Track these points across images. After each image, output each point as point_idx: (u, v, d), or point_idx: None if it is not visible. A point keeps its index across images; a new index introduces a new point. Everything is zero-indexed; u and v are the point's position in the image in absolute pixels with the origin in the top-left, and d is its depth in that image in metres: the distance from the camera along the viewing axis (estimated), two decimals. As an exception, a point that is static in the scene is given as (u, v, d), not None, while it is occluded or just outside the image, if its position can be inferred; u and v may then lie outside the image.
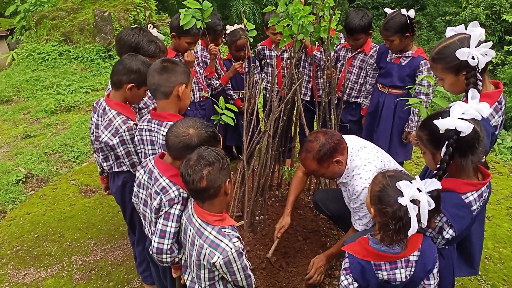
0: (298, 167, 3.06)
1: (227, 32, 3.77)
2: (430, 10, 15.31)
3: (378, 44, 3.57)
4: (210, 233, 1.73)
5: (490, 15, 11.16)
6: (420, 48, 3.30)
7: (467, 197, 1.73)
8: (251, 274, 1.86)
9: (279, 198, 3.70)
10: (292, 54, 3.02)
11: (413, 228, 1.56)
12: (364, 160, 2.36)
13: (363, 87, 3.64)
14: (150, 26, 2.96)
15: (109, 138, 2.31)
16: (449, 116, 1.62)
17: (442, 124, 1.61)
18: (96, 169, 4.51)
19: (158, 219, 1.88)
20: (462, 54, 1.81)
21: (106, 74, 7.83)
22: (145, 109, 2.74)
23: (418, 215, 1.57)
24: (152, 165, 1.96)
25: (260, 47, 3.93)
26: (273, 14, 3.01)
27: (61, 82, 7.36)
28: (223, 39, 3.81)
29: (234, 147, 4.44)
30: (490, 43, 1.82)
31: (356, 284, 1.75)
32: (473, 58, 1.80)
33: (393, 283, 1.72)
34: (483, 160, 1.80)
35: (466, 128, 1.56)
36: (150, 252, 1.90)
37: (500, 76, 9.87)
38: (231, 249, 1.70)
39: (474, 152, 1.65)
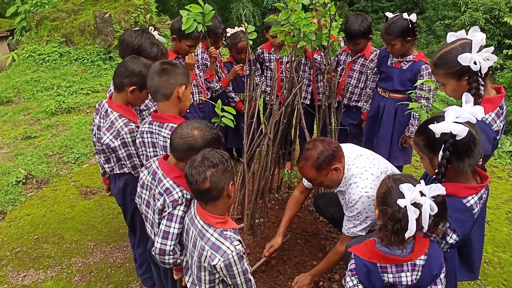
0: (297, 185, 3.05)
1: (228, 35, 3.78)
2: (429, 14, 15.35)
3: (378, 48, 3.58)
4: (211, 235, 1.74)
5: (489, 19, 11.19)
6: (421, 52, 3.31)
7: (468, 200, 1.74)
8: (251, 278, 1.86)
9: (279, 201, 3.70)
10: (292, 58, 3.03)
11: (410, 230, 1.56)
12: (361, 168, 2.38)
13: (364, 91, 3.65)
14: (151, 29, 2.97)
15: (110, 140, 2.32)
16: (443, 120, 1.63)
17: (437, 128, 1.62)
18: (97, 171, 4.54)
19: (161, 220, 1.89)
20: (464, 59, 1.82)
21: (106, 76, 7.84)
22: (146, 111, 2.75)
23: (419, 219, 1.57)
24: (156, 166, 1.97)
25: (260, 50, 3.95)
26: (274, 22, 3.02)
27: (61, 84, 7.37)
28: (224, 42, 3.82)
29: (234, 149, 4.45)
30: (492, 48, 1.83)
31: (361, 286, 1.76)
32: (475, 63, 1.81)
33: (399, 287, 1.73)
34: (481, 162, 1.81)
35: (461, 131, 1.58)
36: (153, 253, 1.90)
37: (499, 80, 9.89)
38: (232, 252, 1.70)
39: (471, 155, 1.67)
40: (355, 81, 3.64)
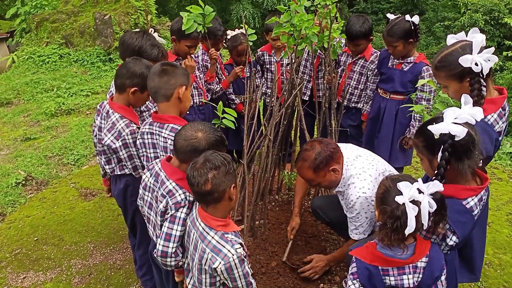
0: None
1: (228, 37, 3.78)
2: (429, 16, 15.38)
3: (377, 49, 3.58)
4: (212, 237, 1.74)
5: (489, 21, 11.20)
6: (421, 54, 3.30)
7: (468, 202, 1.74)
8: (252, 281, 1.86)
9: (279, 203, 3.70)
10: (292, 60, 3.03)
11: (410, 227, 1.56)
12: (359, 169, 2.39)
13: (363, 92, 3.65)
14: (151, 30, 2.97)
15: (112, 141, 2.32)
16: (442, 121, 1.63)
17: (436, 129, 1.62)
18: (96, 172, 4.53)
19: (163, 222, 1.88)
20: (466, 61, 1.82)
21: (106, 77, 7.84)
22: (146, 112, 2.75)
23: (419, 216, 1.57)
24: (159, 168, 1.96)
25: (260, 52, 3.94)
26: (276, 24, 3.02)
27: (61, 85, 7.36)
28: (224, 44, 3.83)
29: (234, 151, 4.44)
30: (492, 49, 1.83)
31: None
32: (476, 64, 1.80)
33: None
34: (481, 164, 1.81)
35: (460, 132, 1.58)
36: (155, 255, 1.90)
37: (499, 81, 9.90)
38: (233, 255, 1.70)
39: (470, 156, 1.67)
40: (355, 83, 3.63)
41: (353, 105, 3.72)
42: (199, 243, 1.77)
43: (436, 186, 1.59)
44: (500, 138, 1.97)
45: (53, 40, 8.71)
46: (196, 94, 3.48)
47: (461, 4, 12.33)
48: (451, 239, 1.76)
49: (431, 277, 1.72)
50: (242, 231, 2.93)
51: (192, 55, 3.35)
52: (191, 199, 1.87)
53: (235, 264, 1.71)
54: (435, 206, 1.59)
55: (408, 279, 1.70)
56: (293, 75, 3.01)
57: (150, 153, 2.24)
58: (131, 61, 2.34)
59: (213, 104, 2.87)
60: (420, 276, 1.71)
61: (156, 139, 2.17)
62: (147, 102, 2.62)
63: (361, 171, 2.37)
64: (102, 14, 8.52)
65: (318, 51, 3.51)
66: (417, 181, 1.64)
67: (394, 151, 3.46)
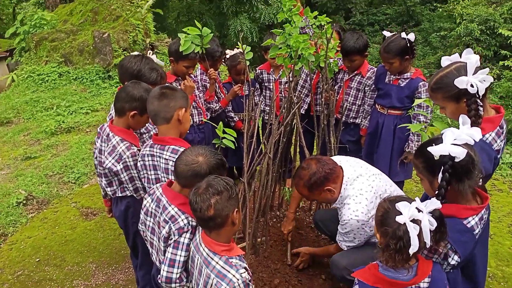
0: None
1: (227, 56, 3.82)
2: (425, 26, 15.49)
3: (375, 61, 3.62)
4: (217, 263, 1.74)
5: (485, 30, 11.30)
6: (418, 69, 3.34)
7: (469, 221, 1.75)
8: None
9: (281, 219, 3.70)
10: (290, 78, 3.06)
11: (414, 246, 1.57)
12: (357, 190, 2.43)
13: (361, 108, 3.68)
14: (149, 53, 3.01)
15: (113, 164, 2.34)
16: (442, 143, 1.65)
17: (436, 150, 1.64)
18: (97, 191, 4.54)
19: (167, 248, 1.88)
20: (461, 82, 1.85)
21: (105, 95, 7.88)
22: (146, 134, 2.77)
23: (420, 235, 1.58)
24: (160, 193, 1.97)
25: (259, 71, 3.99)
26: (272, 46, 3.07)
27: (61, 103, 7.41)
28: (223, 63, 3.87)
29: (234, 168, 4.45)
30: (487, 70, 1.86)
31: None
32: (471, 85, 1.83)
33: None
34: (481, 183, 1.82)
35: (459, 153, 1.60)
36: (159, 281, 1.89)
37: (496, 89, 9.95)
38: (238, 280, 1.70)
39: (470, 177, 1.68)
40: (352, 99, 3.67)
41: (351, 120, 3.75)
42: (203, 269, 1.77)
43: (434, 203, 1.61)
44: (498, 156, 1.99)
45: (52, 59, 8.78)
46: (195, 113, 3.51)
47: (457, 14, 12.46)
48: (453, 259, 1.77)
49: (434, 297, 1.73)
50: (244, 248, 2.93)
51: (191, 75, 3.38)
52: (194, 224, 1.88)
53: None
54: (435, 224, 1.60)
55: None
56: (291, 93, 3.04)
57: (151, 174, 2.25)
58: (130, 85, 2.37)
59: (213, 124, 2.89)
60: (423, 296, 1.71)
61: (157, 161, 2.19)
62: (147, 124, 2.65)
63: (358, 193, 2.41)
64: (101, 32, 8.60)
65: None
66: (415, 200, 1.65)
67: (394, 166, 3.47)
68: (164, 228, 1.88)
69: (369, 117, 3.62)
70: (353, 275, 1.80)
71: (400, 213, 1.61)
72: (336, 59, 3.37)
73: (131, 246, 2.69)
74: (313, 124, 3.31)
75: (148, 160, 2.23)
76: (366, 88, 3.59)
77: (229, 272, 1.71)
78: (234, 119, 3.95)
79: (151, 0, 8.84)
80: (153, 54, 2.99)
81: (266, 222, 3.28)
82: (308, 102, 3.86)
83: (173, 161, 2.06)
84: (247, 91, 3.73)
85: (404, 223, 1.58)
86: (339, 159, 2.67)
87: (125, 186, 2.44)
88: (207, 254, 1.77)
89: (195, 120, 3.51)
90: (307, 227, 3.57)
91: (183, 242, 1.85)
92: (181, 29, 2.97)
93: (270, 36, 3.50)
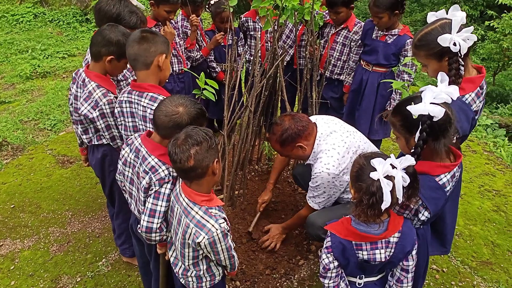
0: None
1: (212, 2, 3.67)
2: (415, -18, 15.18)
3: (363, 15, 3.53)
4: (196, 213, 1.74)
5: (473, -12, 11.13)
6: (406, 26, 3.28)
7: (441, 179, 1.77)
8: (234, 254, 1.90)
9: (259, 173, 3.72)
10: (275, 28, 2.97)
11: (386, 202, 1.59)
12: (330, 145, 2.44)
13: (346, 64, 3.62)
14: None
15: (88, 111, 2.27)
16: (421, 102, 1.64)
17: (415, 109, 1.63)
18: (74, 139, 4.45)
19: (147, 198, 1.87)
20: (444, 40, 1.81)
21: (83, 39, 7.57)
22: (124, 82, 2.68)
23: (393, 191, 1.60)
24: (139, 144, 1.93)
25: (244, 18, 3.84)
26: None
27: (36, 46, 7.09)
28: (207, 10, 3.73)
29: (215, 120, 4.41)
30: (471, 28, 1.82)
31: (336, 263, 1.80)
32: (454, 44, 1.80)
33: (372, 263, 1.77)
34: (454, 141, 1.84)
35: (438, 113, 1.59)
36: (139, 231, 1.89)
37: (479, 51, 9.93)
38: (217, 230, 1.72)
39: (446, 135, 1.70)
40: (337, 54, 3.60)
41: (335, 76, 3.69)
42: (183, 218, 1.77)
43: (409, 160, 1.62)
44: (476, 117, 2.00)
45: (27, -2, 8.34)
46: (175, 62, 3.41)
47: (446, -29, 12.18)
48: (423, 214, 1.80)
49: (403, 251, 1.78)
50: (221, 201, 2.95)
51: (171, 20, 3.25)
52: (175, 174, 1.86)
53: (218, 238, 1.73)
54: (408, 180, 1.62)
55: (380, 253, 1.75)
56: (275, 44, 2.96)
57: (128, 122, 2.20)
58: (107, 28, 2.25)
59: (194, 74, 2.81)
60: (392, 250, 1.76)
61: (135, 108, 2.13)
62: (124, 71, 2.55)
63: (331, 147, 2.43)
64: (79, -29, 8.14)
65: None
66: (390, 157, 1.66)
67: (374, 123, 3.48)
68: (144, 178, 1.85)
69: (353, 73, 3.58)
70: (326, 228, 1.83)
71: (375, 169, 1.62)
72: (321, 12, 3.27)
73: (107, 194, 2.67)
74: (296, 78, 3.26)
75: (126, 107, 2.16)
76: (352, 44, 3.52)
77: (208, 222, 1.72)
78: (216, 69, 3.85)
79: None
80: (133, -4, 2.84)
81: (244, 175, 3.29)
82: (292, 54, 3.77)
83: (151, 108, 2.01)
84: (230, 41, 3.62)
85: (378, 179, 1.60)
86: (315, 118, 2.67)
87: (101, 134, 2.39)
88: (186, 204, 1.77)
89: (174, 69, 3.41)
90: (284, 181, 3.61)
91: (164, 193, 1.84)
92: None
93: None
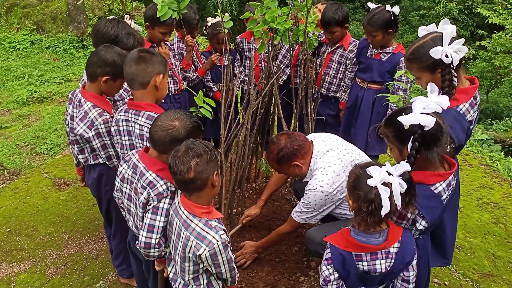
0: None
1: (209, 24, 3.74)
2: (405, 4, 15.48)
3: (354, 37, 3.59)
4: (196, 225, 1.75)
5: (463, 10, 11.39)
6: (400, 44, 3.34)
7: (436, 187, 1.78)
8: (235, 266, 1.89)
9: (256, 191, 3.72)
10: (270, 48, 3.02)
11: (386, 208, 1.60)
12: (326, 163, 2.45)
13: (342, 81, 3.66)
14: (126, 17, 2.91)
15: (84, 130, 2.28)
16: (411, 112, 1.66)
17: (406, 120, 1.65)
18: (70, 162, 4.45)
19: (145, 214, 1.86)
20: (436, 52, 1.85)
21: (79, 65, 7.65)
22: (120, 101, 2.70)
23: (392, 198, 1.61)
24: (137, 159, 1.94)
25: (239, 39, 3.91)
26: (251, 20, 3.00)
27: (33, 72, 7.15)
28: (204, 31, 3.79)
29: (212, 140, 4.42)
30: (463, 40, 1.87)
31: (336, 274, 1.79)
32: (446, 56, 1.84)
33: (373, 274, 1.76)
34: (448, 150, 1.85)
35: (429, 122, 1.61)
36: (138, 247, 1.88)
37: (471, 70, 10.09)
38: (218, 241, 1.72)
39: (439, 144, 1.71)
40: (334, 72, 3.64)
41: (332, 94, 3.72)
42: (182, 232, 1.77)
43: (404, 167, 1.63)
44: (471, 127, 2.02)
45: (24, 26, 8.43)
46: (171, 82, 3.44)
47: (436, -7, 12.47)
48: (420, 224, 1.80)
49: (403, 261, 1.77)
50: (225, 229, 2.95)
51: (167, 42, 3.30)
52: (173, 189, 1.87)
53: (219, 250, 1.73)
54: (405, 186, 1.63)
55: (380, 264, 1.74)
56: (270, 63, 3.00)
57: (125, 140, 2.20)
58: (103, 49, 2.28)
59: (192, 91, 2.84)
60: (392, 261, 1.75)
61: (132, 126, 2.14)
62: (121, 91, 2.58)
63: (327, 165, 2.43)
64: (75, -1, 8.28)
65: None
66: (385, 164, 1.67)
67: (370, 139, 3.50)
68: (142, 194, 1.85)
69: (348, 91, 3.62)
70: (325, 239, 1.82)
71: (371, 177, 1.63)
72: (316, 33, 3.33)
73: (104, 214, 2.65)
74: (290, 89, 3.29)
75: (123, 125, 2.17)
76: (347, 62, 3.56)
77: (208, 233, 1.72)
78: (213, 89, 3.89)
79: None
80: (130, 18, 2.89)
81: (242, 193, 3.28)
82: (288, 73, 3.82)
83: (148, 127, 2.02)
84: (226, 61, 3.67)
85: (375, 186, 1.60)
86: (313, 136, 2.68)
87: (98, 154, 2.39)
88: (186, 216, 1.77)
89: (170, 89, 3.44)
90: (282, 199, 3.60)
91: (162, 208, 1.84)
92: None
93: (249, 8, 3.43)
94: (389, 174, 1.62)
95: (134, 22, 2.95)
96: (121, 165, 2.03)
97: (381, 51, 3.32)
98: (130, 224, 2.07)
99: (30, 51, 8.01)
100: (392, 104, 3.25)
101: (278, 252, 3.00)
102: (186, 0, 2.82)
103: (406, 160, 1.72)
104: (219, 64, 3.78)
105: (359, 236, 1.73)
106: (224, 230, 1.78)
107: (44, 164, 4.53)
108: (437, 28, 1.96)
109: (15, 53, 7.96)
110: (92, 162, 2.44)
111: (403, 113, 1.68)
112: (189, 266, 1.82)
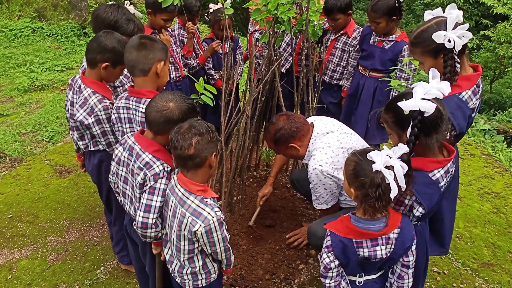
0: None
1: (211, 10, 3.70)
2: (409, -7, 15.35)
3: (360, 26, 3.56)
4: (192, 202, 1.76)
5: (468, -1, 11.27)
6: (403, 32, 3.30)
7: (434, 174, 1.77)
8: (230, 247, 1.90)
9: (257, 179, 3.71)
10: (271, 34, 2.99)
11: (394, 190, 1.59)
12: (325, 143, 2.42)
13: (345, 69, 3.63)
14: (127, 3, 2.88)
15: (84, 117, 2.27)
16: (412, 98, 1.65)
17: (406, 105, 1.64)
18: (71, 149, 4.45)
19: (142, 194, 1.87)
20: (438, 37, 1.83)
21: (81, 52, 7.61)
22: (121, 88, 2.69)
23: (396, 180, 1.61)
24: (133, 142, 1.94)
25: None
26: (254, 9, 2.97)
27: (34, 60, 7.13)
28: (206, 18, 3.77)
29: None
30: (467, 25, 1.84)
31: (337, 262, 1.79)
32: (449, 40, 1.81)
33: (373, 260, 1.76)
34: (448, 137, 1.84)
35: (429, 108, 1.60)
36: (135, 227, 1.89)
37: (475, 60, 10.00)
38: (213, 217, 1.73)
39: (438, 131, 1.70)
40: (337, 59, 3.60)
41: (335, 82, 3.69)
42: (178, 209, 1.79)
43: (402, 149, 1.62)
44: (473, 115, 2.01)
45: (25, 14, 8.39)
46: (173, 69, 3.43)
47: (441, -18, 12.33)
48: (417, 210, 1.79)
49: (402, 247, 1.77)
50: (220, 207, 2.95)
51: (168, 29, 3.28)
52: (169, 169, 1.88)
53: (215, 226, 1.74)
54: (406, 167, 1.62)
55: (381, 250, 1.74)
56: (270, 50, 2.98)
57: (125, 128, 2.19)
58: (102, 35, 2.26)
59: (193, 78, 2.83)
60: (392, 247, 1.75)
61: (133, 113, 2.13)
62: (121, 77, 2.56)
63: (326, 145, 2.41)
64: (76, -14, 8.22)
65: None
66: (383, 148, 1.66)
67: (371, 128, 3.48)
68: (139, 175, 1.86)
69: (350, 78, 3.59)
70: (325, 227, 1.82)
71: (372, 163, 1.62)
72: (320, 22, 3.29)
73: (104, 201, 2.65)
74: (292, 77, 3.27)
75: (123, 113, 2.16)
76: (351, 49, 3.53)
77: (204, 210, 1.74)
78: (214, 77, 3.87)
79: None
80: (130, 4, 2.87)
81: (242, 181, 3.28)
82: (291, 61, 3.79)
83: None
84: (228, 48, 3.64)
85: (380, 170, 1.60)
86: (314, 118, 2.66)
87: (98, 140, 2.39)
88: (182, 194, 1.78)
89: (171, 76, 3.43)
90: (283, 187, 3.60)
91: (159, 188, 1.85)
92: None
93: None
94: (390, 157, 1.62)
95: (135, 8, 2.92)
96: (117, 148, 2.04)
97: (384, 39, 3.28)
98: (127, 208, 2.08)
99: (31, 39, 7.98)
100: (393, 93, 3.23)
101: (278, 240, 3.00)
102: (187, -14, 2.79)
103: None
104: (220, 51, 3.75)
105: (359, 223, 1.72)
106: (219, 207, 1.80)
107: (46, 151, 4.53)
108: (443, 12, 1.93)
109: (17, 40, 7.93)
110: (92, 149, 2.44)
111: (404, 99, 1.67)
112: (184, 245, 1.82)
